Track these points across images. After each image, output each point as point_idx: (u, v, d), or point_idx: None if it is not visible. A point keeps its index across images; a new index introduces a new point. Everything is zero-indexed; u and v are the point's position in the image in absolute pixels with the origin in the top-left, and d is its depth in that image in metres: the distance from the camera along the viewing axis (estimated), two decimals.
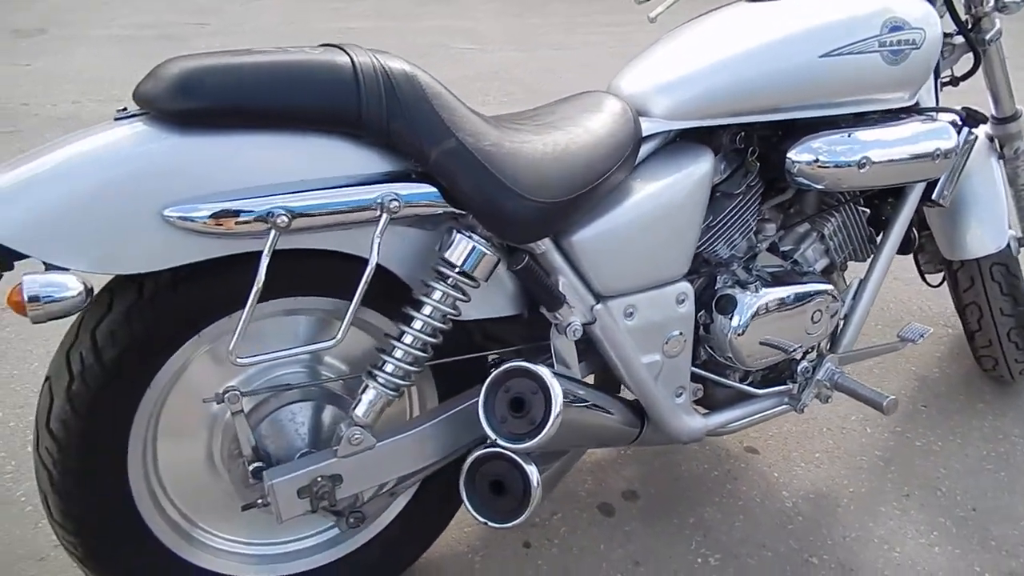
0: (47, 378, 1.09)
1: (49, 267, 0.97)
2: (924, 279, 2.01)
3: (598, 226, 1.26)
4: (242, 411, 1.12)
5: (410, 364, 1.13)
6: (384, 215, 1.05)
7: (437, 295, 1.12)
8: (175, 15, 5.97)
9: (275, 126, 1.03)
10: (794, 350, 1.52)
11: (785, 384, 1.58)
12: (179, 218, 0.98)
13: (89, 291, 0.95)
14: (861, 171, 1.40)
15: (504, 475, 1.16)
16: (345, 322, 1.07)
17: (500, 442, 1.10)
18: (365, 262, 1.07)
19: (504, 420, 1.11)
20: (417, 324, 1.12)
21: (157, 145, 0.99)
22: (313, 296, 1.17)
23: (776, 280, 1.48)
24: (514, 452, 1.15)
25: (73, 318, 1.04)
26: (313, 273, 1.13)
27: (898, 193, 1.62)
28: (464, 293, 1.13)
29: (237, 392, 1.11)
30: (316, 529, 1.35)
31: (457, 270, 1.11)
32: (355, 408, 1.13)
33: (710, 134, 1.41)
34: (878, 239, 1.66)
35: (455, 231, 1.12)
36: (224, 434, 1.20)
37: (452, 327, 1.16)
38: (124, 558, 1.15)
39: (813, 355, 1.60)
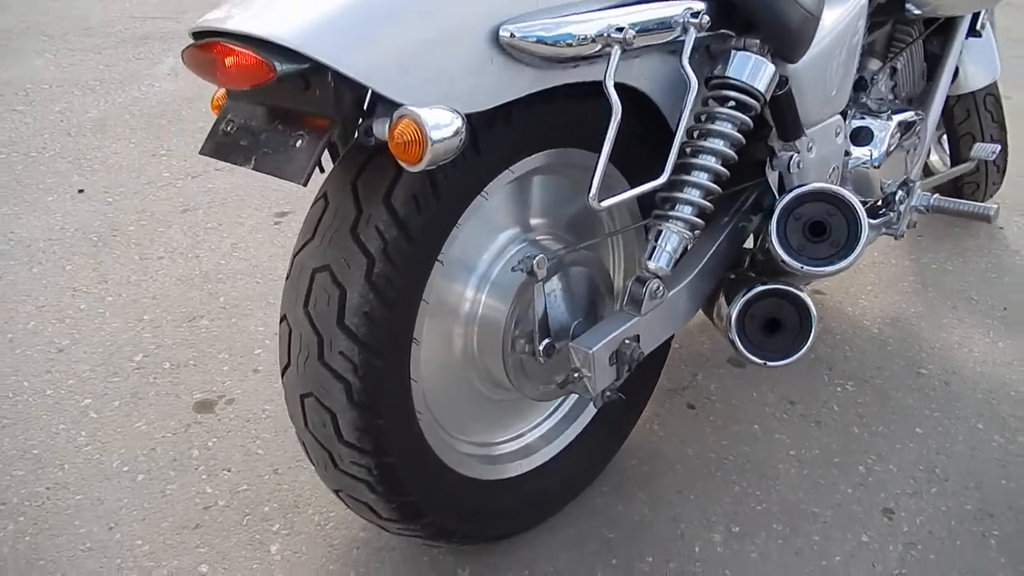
0: (321, 269, 0.88)
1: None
2: None
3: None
4: (543, 280, 0.98)
5: (707, 199, 1.04)
6: (692, 31, 0.95)
7: (725, 123, 1.04)
8: None
9: None
10: (902, 177, 1.60)
11: (884, 214, 1.67)
12: (517, 37, 0.81)
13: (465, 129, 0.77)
14: None
15: (776, 312, 1.13)
16: (671, 158, 0.96)
17: (805, 268, 1.07)
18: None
19: (802, 247, 1.07)
20: (708, 158, 1.03)
21: None
22: (569, 148, 1.03)
23: (887, 111, 1.54)
24: (789, 285, 1.12)
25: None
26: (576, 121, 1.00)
27: (946, 30, 1.74)
28: (748, 117, 1.05)
29: (544, 257, 0.96)
30: (541, 417, 1.24)
31: (745, 91, 1.04)
32: (651, 258, 1.03)
33: None
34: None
35: (735, 51, 1.04)
36: (481, 324, 1.05)
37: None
38: (414, 472, 0.98)
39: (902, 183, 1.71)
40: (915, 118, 1.58)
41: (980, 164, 2.17)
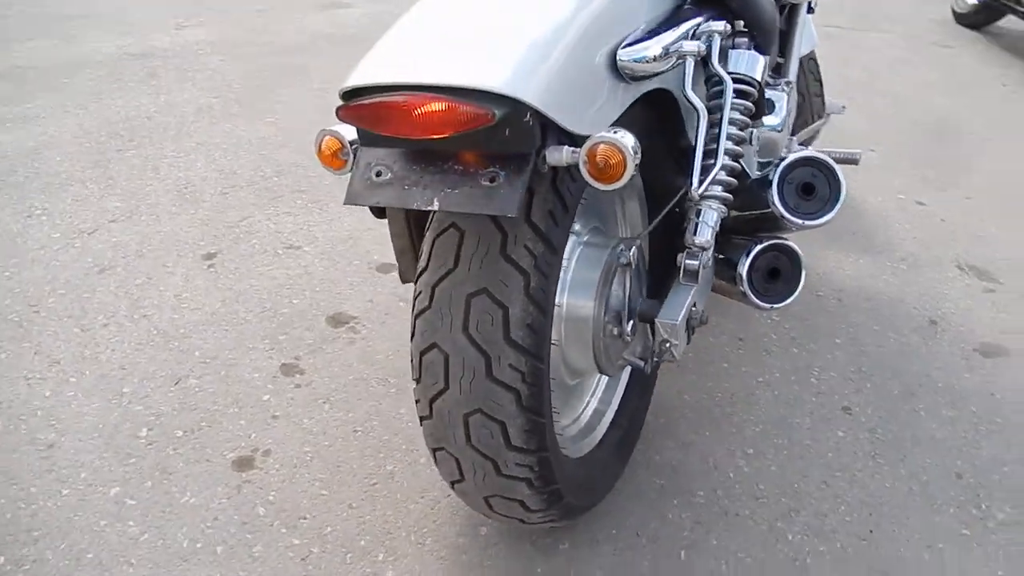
0: (476, 293, 0.95)
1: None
2: None
3: None
4: (631, 263, 1.12)
5: (733, 178, 1.23)
6: (716, 38, 1.13)
7: (734, 110, 1.23)
8: None
9: None
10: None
11: None
12: (628, 60, 0.95)
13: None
14: None
15: (776, 262, 1.37)
16: (721, 145, 1.13)
17: (804, 223, 1.30)
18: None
19: (798, 205, 1.30)
20: (726, 144, 1.22)
21: None
22: None
23: (781, 83, 1.84)
24: (781, 239, 1.36)
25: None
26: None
27: (794, 10, 2.09)
28: (749, 105, 1.25)
29: (637, 242, 1.10)
30: (591, 393, 1.39)
31: (747, 82, 1.23)
32: (696, 234, 1.20)
33: None
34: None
35: (733, 50, 1.23)
36: (568, 322, 1.16)
37: None
38: (558, 461, 1.09)
39: None
40: (790, 86, 1.90)
41: (808, 118, 2.61)
